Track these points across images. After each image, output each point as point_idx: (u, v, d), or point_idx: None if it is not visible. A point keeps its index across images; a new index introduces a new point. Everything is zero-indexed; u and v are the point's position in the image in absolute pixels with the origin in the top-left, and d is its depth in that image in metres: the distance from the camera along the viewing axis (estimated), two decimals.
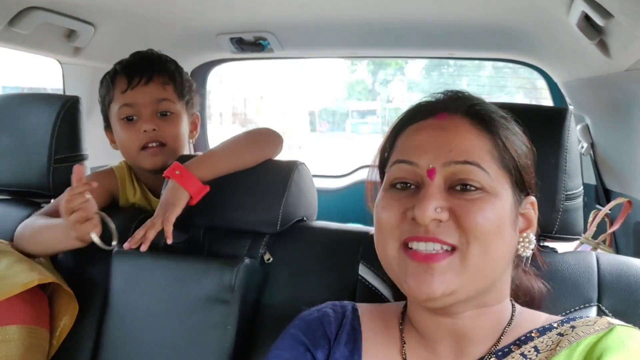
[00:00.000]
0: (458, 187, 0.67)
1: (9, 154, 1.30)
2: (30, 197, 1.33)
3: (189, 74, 1.66)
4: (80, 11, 1.48)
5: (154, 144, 1.27)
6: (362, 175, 2.58)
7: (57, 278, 1.05)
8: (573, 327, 0.68)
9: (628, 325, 0.67)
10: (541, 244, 0.93)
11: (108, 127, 1.36)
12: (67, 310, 1.06)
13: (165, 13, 1.58)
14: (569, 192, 0.88)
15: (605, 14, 1.05)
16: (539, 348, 0.67)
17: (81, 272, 1.15)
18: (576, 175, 0.90)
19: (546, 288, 0.82)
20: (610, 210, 1.39)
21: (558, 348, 0.65)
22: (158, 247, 1.12)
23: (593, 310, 0.84)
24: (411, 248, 0.67)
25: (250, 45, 1.84)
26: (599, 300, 0.84)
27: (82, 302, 1.09)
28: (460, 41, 1.74)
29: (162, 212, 1.07)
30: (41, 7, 1.37)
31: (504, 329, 0.71)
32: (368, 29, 1.69)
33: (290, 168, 1.11)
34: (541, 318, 0.73)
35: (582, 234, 0.95)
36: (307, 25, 1.66)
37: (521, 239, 0.72)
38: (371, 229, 1.10)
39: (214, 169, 1.12)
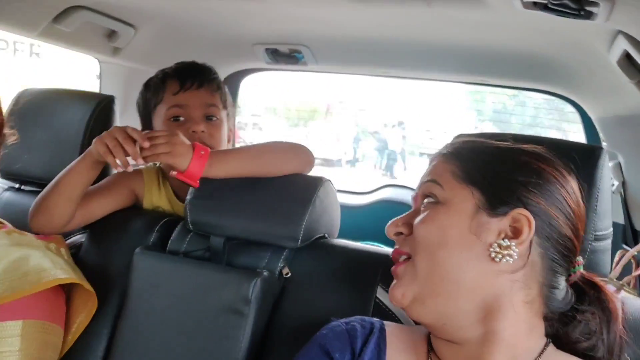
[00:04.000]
0: (425, 201, 0.76)
1: (42, 148, 1.33)
2: None
3: (223, 79, 1.68)
4: (123, 13, 1.51)
5: None
6: (385, 193, 2.58)
7: (79, 277, 1.05)
8: None
9: None
10: None
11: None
12: (85, 308, 1.06)
13: (205, 20, 1.61)
14: (598, 233, 0.86)
15: None
16: None
17: (101, 271, 1.16)
18: (606, 216, 0.87)
19: (620, 341, 0.72)
20: (638, 252, 1.35)
21: None
22: (179, 253, 1.13)
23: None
24: None
25: (285, 57, 1.87)
26: None
27: (99, 301, 1.09)
28: (496, 69, 1.73)
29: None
30: (85, 7, 1.40)
31: None
32: (402, 50, 1.69)
33: (316, 184, 1.11)
34: None
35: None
36: (342, 41, 1.67)
37: (491, 247, 0.69)
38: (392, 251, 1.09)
39: (231, 167, 1.12)
